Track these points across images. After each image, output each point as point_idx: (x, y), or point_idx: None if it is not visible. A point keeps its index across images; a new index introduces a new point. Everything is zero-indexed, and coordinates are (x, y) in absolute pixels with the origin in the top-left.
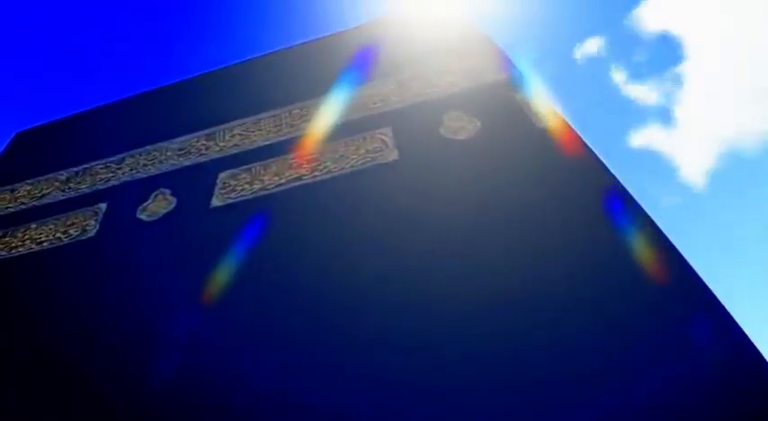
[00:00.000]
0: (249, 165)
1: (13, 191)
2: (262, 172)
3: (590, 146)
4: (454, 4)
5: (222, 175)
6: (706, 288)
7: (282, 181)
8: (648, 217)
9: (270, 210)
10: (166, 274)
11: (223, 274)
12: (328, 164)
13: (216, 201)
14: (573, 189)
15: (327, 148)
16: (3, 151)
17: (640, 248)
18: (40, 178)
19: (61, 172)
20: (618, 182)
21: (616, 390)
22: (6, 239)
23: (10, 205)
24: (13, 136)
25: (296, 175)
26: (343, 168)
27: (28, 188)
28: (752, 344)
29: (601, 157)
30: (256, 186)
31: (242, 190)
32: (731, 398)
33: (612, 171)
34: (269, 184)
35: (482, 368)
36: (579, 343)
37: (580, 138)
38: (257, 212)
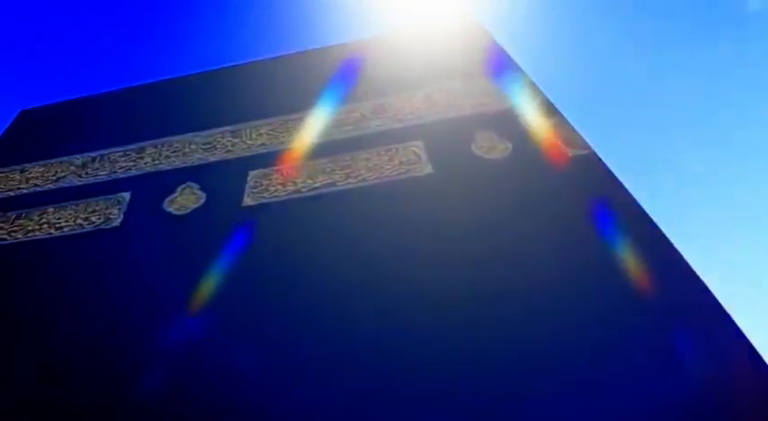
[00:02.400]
0: (280, 166)
1: (23, 171)
2: (294, 173)
3: (614, 173)
4: (484, 21)
5: (253, 174)
6: (711, 294)
7: (317, 184)
8: (666, 237)
9: (304, 213)
10: (197, 269)
11: (255, 273)
12: (362, 172)
13: (248, 200)
14: (596, 212)
15: (360, 156)
16: (6, 129)
17: (656, 265)
18: (53, 161)
19: (76, 156)
20: (639, 205)
21: (617, 391)
22: (21, 221)
23: (22, 186)
24: (17, 114)
25: (330, 181)
26: (377, 177)
27: (40, 170)
28: (752, 345)
29: (624, 183)
30: (290, 188)
31: (275, 190)
32: (731, 397)
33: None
34: (302, 187)
35: (493, 371)
36: (585, 343)
37: (605, 164)
38: (291, 214)
